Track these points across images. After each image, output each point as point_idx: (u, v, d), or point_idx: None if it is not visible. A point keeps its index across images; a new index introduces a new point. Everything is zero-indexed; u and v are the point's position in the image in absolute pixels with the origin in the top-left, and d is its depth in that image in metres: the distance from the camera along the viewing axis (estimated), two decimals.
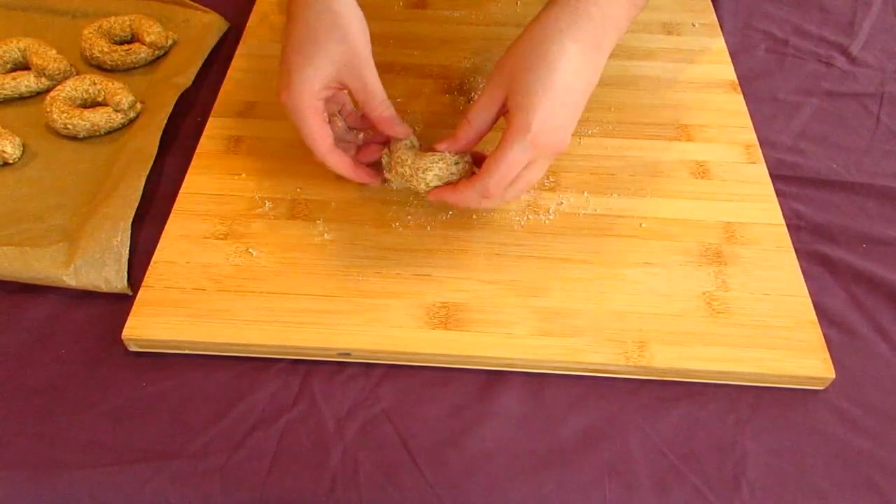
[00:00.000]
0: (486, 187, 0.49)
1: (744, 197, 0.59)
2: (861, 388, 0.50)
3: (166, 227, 0.55)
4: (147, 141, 0.60)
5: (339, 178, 0.57)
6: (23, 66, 0.66)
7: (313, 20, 0.51)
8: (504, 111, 0.50)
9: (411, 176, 0.52)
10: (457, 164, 0.52)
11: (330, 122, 0.54)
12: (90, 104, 0.64)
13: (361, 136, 0.58)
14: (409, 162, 0.52)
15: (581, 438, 0.47)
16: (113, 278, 0.52)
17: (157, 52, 0.69)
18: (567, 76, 0.48)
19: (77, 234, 0.54)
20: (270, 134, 0.62)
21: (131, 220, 0.55)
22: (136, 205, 0.56)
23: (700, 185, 0.60)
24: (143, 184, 0.57)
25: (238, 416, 0.47)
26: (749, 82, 0.71)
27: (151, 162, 0.59)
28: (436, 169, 0.52)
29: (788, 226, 0.57)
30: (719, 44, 0.74)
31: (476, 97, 0.66)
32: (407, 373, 0.49)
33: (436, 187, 0.52)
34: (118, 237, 0.54)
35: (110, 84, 0.63)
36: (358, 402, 0.48)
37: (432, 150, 0.53)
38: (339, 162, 0.54)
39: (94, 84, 0.63)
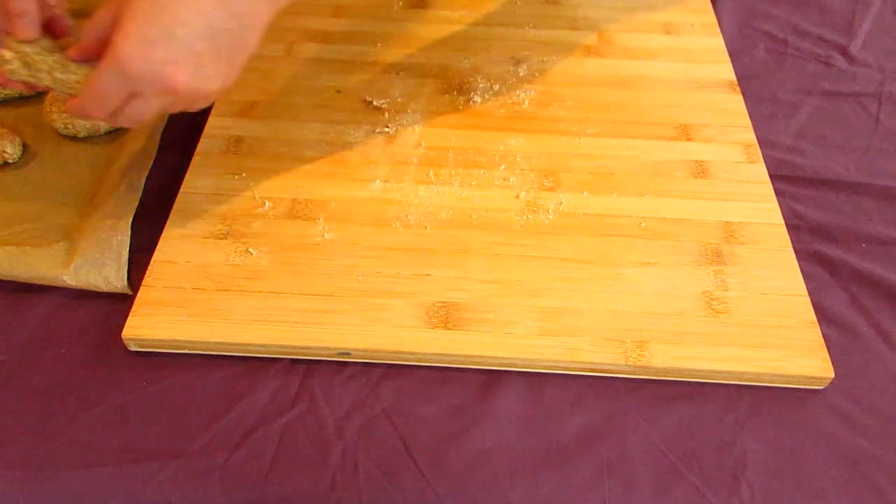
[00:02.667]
0: (84, 111, 0.46)
1: (743, 197, 0.59)
2: (861, 388, 0.50)
3: (166, 227, 0.55)
4: (147, 141, 0.60)
5: (340, 178, 0.57)
6: None
7: None
8: None
9: (76, 83, 0.47)
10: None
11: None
12: None
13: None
14: (71, 68, 0.47)
15: (580, 438, 0.47)
16: (113, 278, 0.52)
17: None
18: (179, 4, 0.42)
19: (77, 233, 0.54)
20: (270, 134, 0.62)
21: (131, 219, 0.55)
22: (136, 205, 0.56)
23: (700, 184, 0.60)
24: (143, 184, 0.57)
25: (238, 416, 0.47)
26: (748, 82, 0.71)
27: (151, 162, 0.59)
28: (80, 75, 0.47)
29: (788, 226, 0.57)
30: (718, 44, 0.74)
31: (474, 96, 0.67)
32: (407, 373, 0.49)
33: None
34: (118, 237, 0.54)
35: None
36: (358, 401, 0.48)
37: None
38: None
39: None
